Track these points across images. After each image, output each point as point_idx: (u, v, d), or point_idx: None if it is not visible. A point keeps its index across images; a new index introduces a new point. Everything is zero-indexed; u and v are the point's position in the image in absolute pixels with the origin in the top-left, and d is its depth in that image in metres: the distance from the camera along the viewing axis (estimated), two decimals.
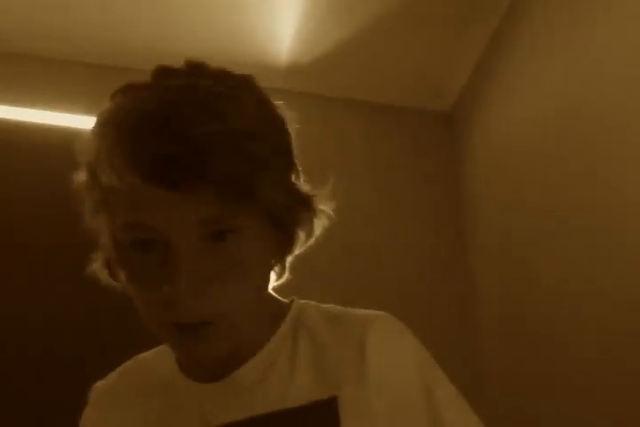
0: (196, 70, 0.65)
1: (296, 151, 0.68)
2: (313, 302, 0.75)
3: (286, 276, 0.72)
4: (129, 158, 0.57)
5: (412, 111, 2.41)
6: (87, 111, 1.89)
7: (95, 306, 1.88)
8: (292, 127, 0.68)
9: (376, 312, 0.72)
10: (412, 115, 2.41)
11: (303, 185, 0.68)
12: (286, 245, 0.68)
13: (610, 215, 1.57)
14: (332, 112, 2.25)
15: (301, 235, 0.69)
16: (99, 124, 0.62)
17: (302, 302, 0.75)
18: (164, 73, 0.64)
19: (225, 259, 0.60)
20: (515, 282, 2.00)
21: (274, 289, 0.74)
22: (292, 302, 0.75)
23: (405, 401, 0.67)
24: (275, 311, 0.73)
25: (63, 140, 2.01)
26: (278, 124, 0.66)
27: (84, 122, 1.92)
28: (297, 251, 0.70)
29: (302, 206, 0.67)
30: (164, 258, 0.58)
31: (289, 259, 0.71)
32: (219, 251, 0.60)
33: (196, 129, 0.56)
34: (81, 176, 0.65)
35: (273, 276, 0.71)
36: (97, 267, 0.69)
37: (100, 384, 0.79)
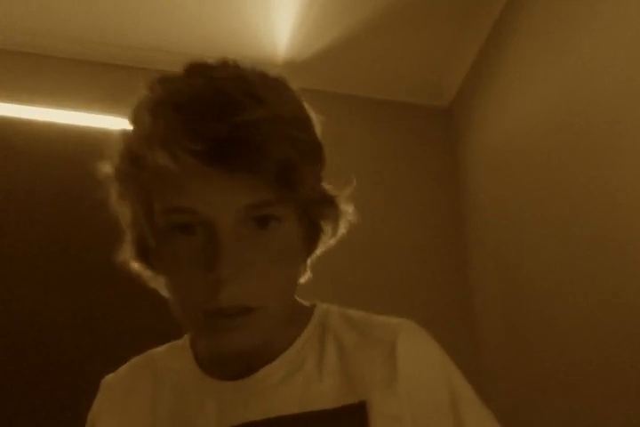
0: (232, 66, 0.65)
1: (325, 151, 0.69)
2: (336, 307, 0.75)
3: (307, 275, 0.72)
4: (184, 140, 0.57)
5: (410, 107, 2.41)
6: (86, 108, 1.89)
7: (95, 306, 1.88)
8: (319, 129, 0.69)
9: (401, 319, 0.73)
10: (411, 110, 2.41)
11: (327, 184, 0.69)
12: (313, 241, 0.69)
13: (609, 215, 1.57)
14: (330, 108, 2.22)
15: (326, 232, 0.69)
16: (147, 108, 0.61)
17: (325, 305, 0.75)
18: (199, 67, 0.65)
19: (267, 247, 0.61)
20: (515, 282, 2.00)
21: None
22: (314, 305, 0.75)
23: (432, 408, 0.67)
24: (297, 313, 0.72)
25: (63, 138, 2.02)
26: (312, 122, 0.67)
27: (84, 119, 1.90)
28: (318, 250, 0.71)
29: (329, 204, 0.68)
30: (207, 243, 0.58)
31: (310, 257, 0.71)
32: (261, 238, 0.60)
33: (249, 115, 0.57)
34: (111, 165, 0.64)
35: None
36: (126, 258, 0.68)
37: (109, 378, 0.78)
